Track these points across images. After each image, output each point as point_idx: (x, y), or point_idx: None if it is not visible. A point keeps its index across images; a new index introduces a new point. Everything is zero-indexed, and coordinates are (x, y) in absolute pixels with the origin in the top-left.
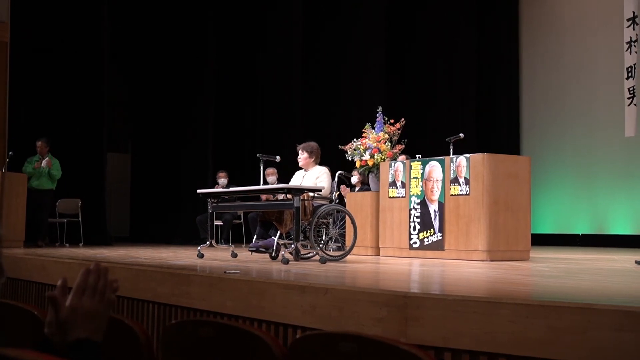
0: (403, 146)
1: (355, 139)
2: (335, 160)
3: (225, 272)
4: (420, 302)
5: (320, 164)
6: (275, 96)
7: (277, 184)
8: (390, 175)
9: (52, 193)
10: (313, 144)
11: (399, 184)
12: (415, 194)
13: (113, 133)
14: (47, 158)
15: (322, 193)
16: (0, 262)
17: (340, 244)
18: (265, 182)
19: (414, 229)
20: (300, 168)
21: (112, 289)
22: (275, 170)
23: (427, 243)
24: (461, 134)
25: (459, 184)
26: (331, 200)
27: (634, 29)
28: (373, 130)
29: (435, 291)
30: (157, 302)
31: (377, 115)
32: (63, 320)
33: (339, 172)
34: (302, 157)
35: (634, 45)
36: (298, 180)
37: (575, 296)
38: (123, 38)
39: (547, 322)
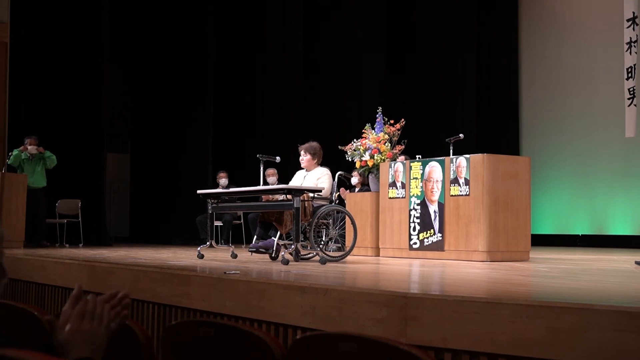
0: (403, 147)
1: (355, 140)
2: (335, 160)
3: (225, 272)
4: (420, 302)
5: (322, 165)
6: (275, 96)
7: (278, 184)
8: (390, 176)
9: (45, 191)
10: (315, 144)
11: (398, 184)
12: (415, 195)
13: (113, 133)
14: (38, 146)
15: (322, 194)
16: (1, 263)
17: (340, 245)
18: (266, 183)
19: (414, 229)
20: (302, 167)
21: (122, 316)
22: (276, 171)
23: (427, 243)
24: (461, 135)
25: (459, 185)
26: (331, 201)
27: (634, 29)
28: (373, 131)
29: (435, 292)
30: (157, 302)
31: (377, 115)
32: (64, 341)
33: (338, 172)
34: (305, 158)
35: (634, 46)
36: (299, 180)
37: (574, 297)
38: (123, 38)
39: (546, 322)
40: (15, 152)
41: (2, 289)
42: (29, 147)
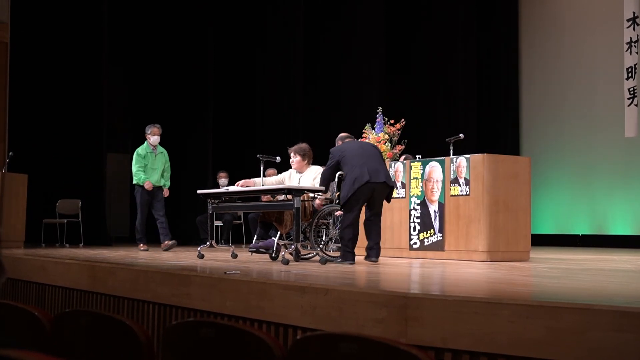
0: (403, 147)
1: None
2: None
3: (225, 272)
4: (420, 302)
5: (319, 164)
6: (275, 96)
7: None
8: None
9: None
10: (304, 145)
11: (399, 184)
12: (415, 195)
13: (113, 133)
14: (167, 188)
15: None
16: (0, 261)
17: (340, 245)
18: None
19: (414, 229)
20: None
21: None
22: (276, 171)
23: (427, 243)
24: (461, 135)
25: (459, 185)
26: (331, 201)
27: (634, 29)
28: (373, 131)
29: (435, 292)
30: (157, 302)
31: (377, 115)
32: None
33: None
34: (295, 160)
35: (634, 46)
36: (294, 181)
37: (574, 297)
38: (123, 38)
39: (546, 322)
40: (139, 151)
41: (1, 288)
42: (152, 138)
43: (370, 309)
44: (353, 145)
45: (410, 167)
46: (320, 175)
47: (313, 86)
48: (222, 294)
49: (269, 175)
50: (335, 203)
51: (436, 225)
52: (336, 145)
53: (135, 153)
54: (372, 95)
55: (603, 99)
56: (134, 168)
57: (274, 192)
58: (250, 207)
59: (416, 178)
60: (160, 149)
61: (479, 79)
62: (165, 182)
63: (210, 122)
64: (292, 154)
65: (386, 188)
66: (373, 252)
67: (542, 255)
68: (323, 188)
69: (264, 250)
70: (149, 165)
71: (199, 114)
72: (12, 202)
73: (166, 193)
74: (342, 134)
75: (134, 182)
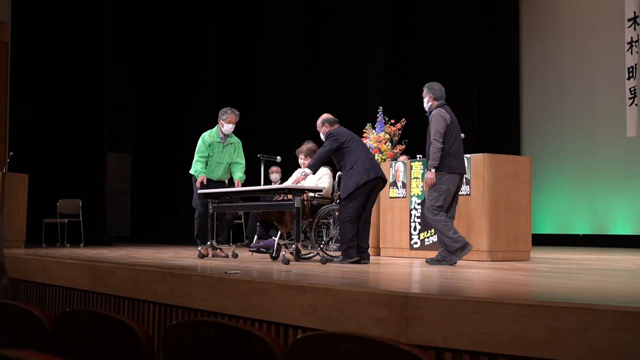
0: (404, 146)
1: None
2: None
3: (225, 272)
4: (421, 302)
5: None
6: (275, 96)
7: (280, 182)
8: (391, 176)
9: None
10: (312, 146)
11: (399, 184)
12: (416, 194)
13: (113, 133)
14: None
15: (323, 193)
16: (2, 263)
17: (340, 245)
18: (268, 180)
19: (415, 229)
20: (300, 166)
21: None
22: (279, 169)
23: (427, 243)
24: (462, 134)
25: None
26: (332, 201)
27: (634, 29)
28: (374, 131)
29: (435, 291)
30: (157, 302)
31: (378, 115)
32: None
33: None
34: (306, 162)
35: (635, 46)
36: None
37: (575, 296)
38: (123, 38)
39: (547, 322)
40: (205, 137)
41: (2, 288)
42: (226, 126)
43: (371, 308)
44: (353, 135)
45: (411, 166)
46: (325, 177)
47: (313, 85)
48: (222, 294)
49: (273, 172)
50: (336, 202)
51: None
52: (322, 127)
53: (200, 138)
54: (373, 95)
55: (604, 99)
56: (195, 155)
57: (274, 192)
58: (251, 207)
59: (417, 178)
60: (232, 138)
61: (479, 79)
62: (236, 175)
63: (211, 122)
64: (301, 156)
65: (382, 187)
66: (365, 255)
67: (542, 255)
68: (323, 188)
69: (264, 250)
70: (215, 157)
71: (200, 113)
72: (12, 202)
73: (237, 185)
74: (328, 117)
75: (191, 171)
